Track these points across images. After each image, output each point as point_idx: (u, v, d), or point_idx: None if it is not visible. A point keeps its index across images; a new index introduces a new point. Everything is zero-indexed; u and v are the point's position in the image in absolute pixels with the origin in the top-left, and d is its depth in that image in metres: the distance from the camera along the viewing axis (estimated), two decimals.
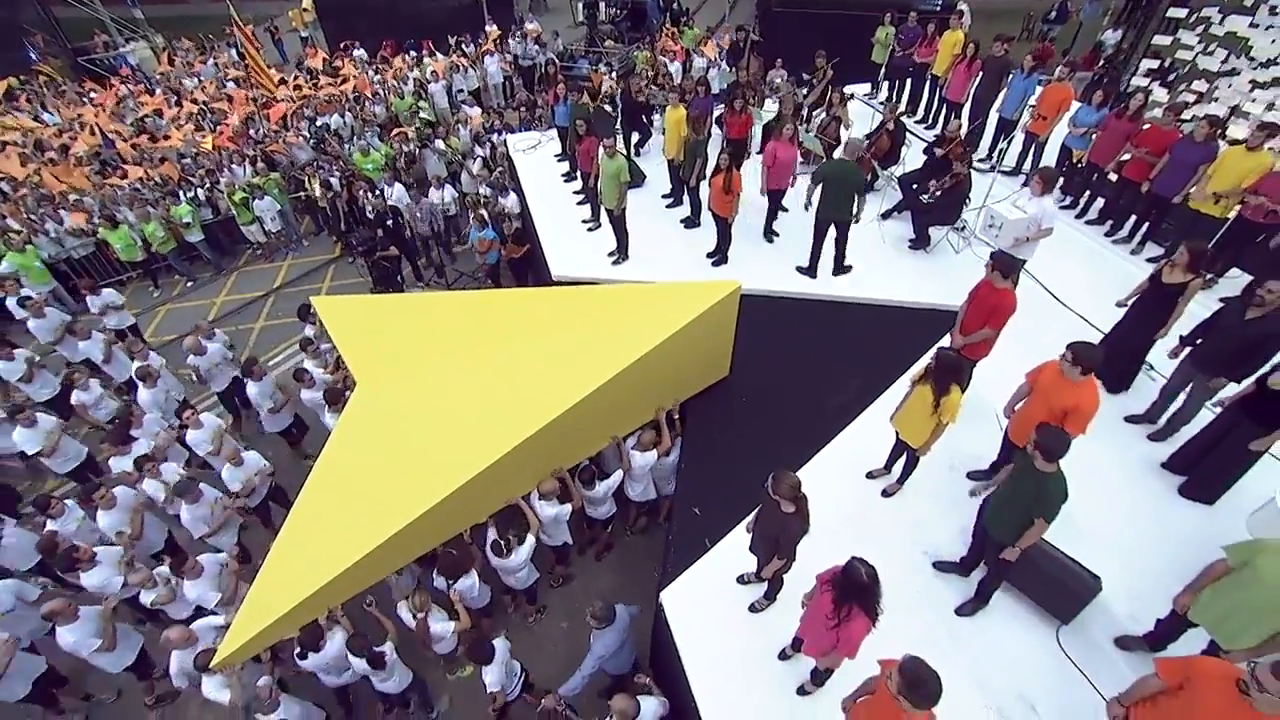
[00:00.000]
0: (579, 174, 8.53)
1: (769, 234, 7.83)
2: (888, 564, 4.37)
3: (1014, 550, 3.82)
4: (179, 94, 15.38)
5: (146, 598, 4.98)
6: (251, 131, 13.19)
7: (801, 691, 3.99)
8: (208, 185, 10.97)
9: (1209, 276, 6.73)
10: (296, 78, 15.91)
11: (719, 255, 7.49)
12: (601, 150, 6.99)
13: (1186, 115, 7.12)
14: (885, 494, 5.03)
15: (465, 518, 4.81)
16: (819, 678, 3.87)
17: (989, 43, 8.55)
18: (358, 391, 5.39)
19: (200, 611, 5.09)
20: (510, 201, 9.32)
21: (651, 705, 3.95)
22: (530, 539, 4.91)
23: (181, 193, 10.69)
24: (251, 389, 6.41)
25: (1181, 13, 7.70)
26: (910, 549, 4.69)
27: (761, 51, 12.63)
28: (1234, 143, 6.26)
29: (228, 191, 10.46)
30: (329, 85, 15.10)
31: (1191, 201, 6.36)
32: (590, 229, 8.17)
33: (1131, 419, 5.48)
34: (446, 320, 5.98)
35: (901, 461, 4.90)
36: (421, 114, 13.25)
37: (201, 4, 21.81)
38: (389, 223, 9.16)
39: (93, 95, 16.23)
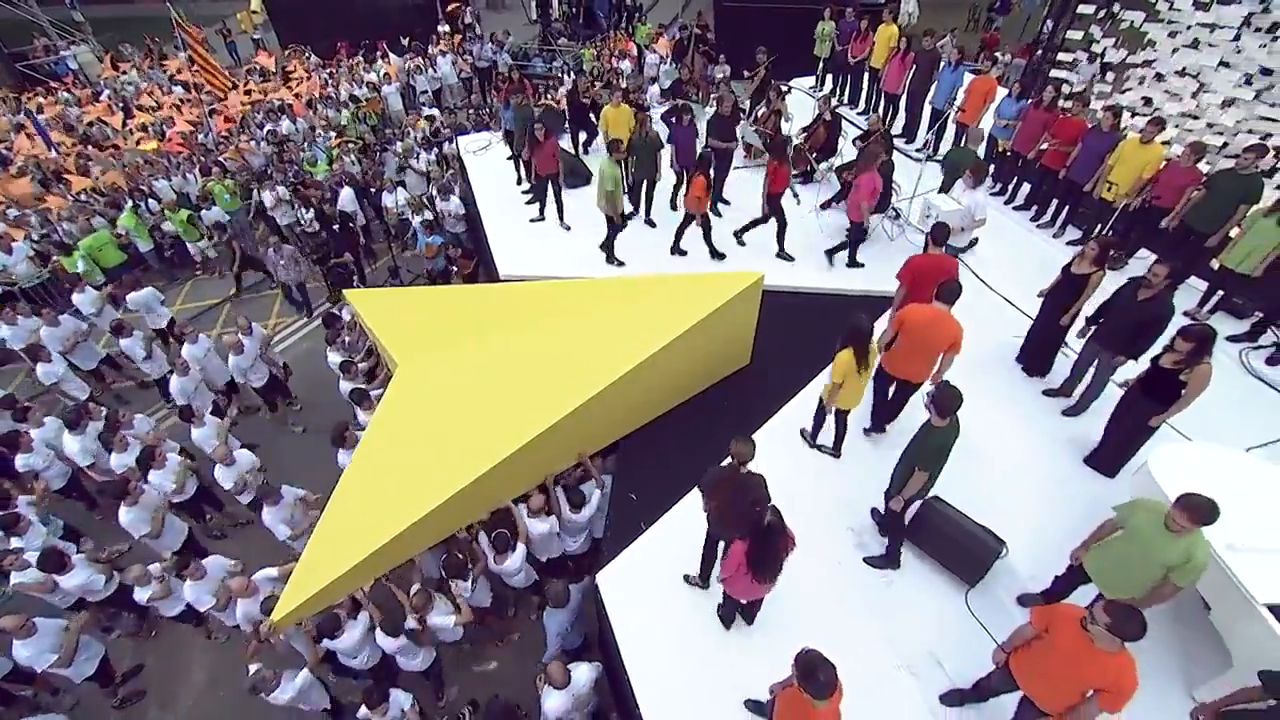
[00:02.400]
0: (533, 175, 8.15)
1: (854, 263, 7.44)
2: (814, 536, 4.70)
3: (897, 499, 4.13)
4: (126, 102, 15.04)
5: (142, 594, 5.08)
6: (201, 137, 13.02)
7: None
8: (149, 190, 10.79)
9: (1119, 256, 7.18)
10: (247, 81, 15.68)
11: (677, 249, 7.67)
12: (606, 159, 6.91)
13: (1097, 106, 7.50)
14: (817, 446, 5.36)
15: (503, 492, 5.02)
16: (737, 611, 4.25)
17: (932, 34, 8.85)
18: (399, 372, 5.63)
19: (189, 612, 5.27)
20: (453, 205, 9.39)
21: (584, 672, 4.18)
22: (521, 547, 4.93)
23: (133, 200, 10.53)
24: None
25: (1090, 9, 8.11)
26: (835, 523, 4.96)
27: (712, 48, 12.82)
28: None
29: (168, 210, 10.21)
30: (279, 88, 14.92)
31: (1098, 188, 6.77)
32: (533, 220, 8.28)
33: (1049, 392, 5.84)
34: (475, 310, 6.26)
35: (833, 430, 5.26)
36: (366, 121, 13.14)
37: (146, 4, 21.19)
38: (335, 227, 9.17)
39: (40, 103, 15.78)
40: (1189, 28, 7.22)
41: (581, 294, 6.20)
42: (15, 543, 5.47)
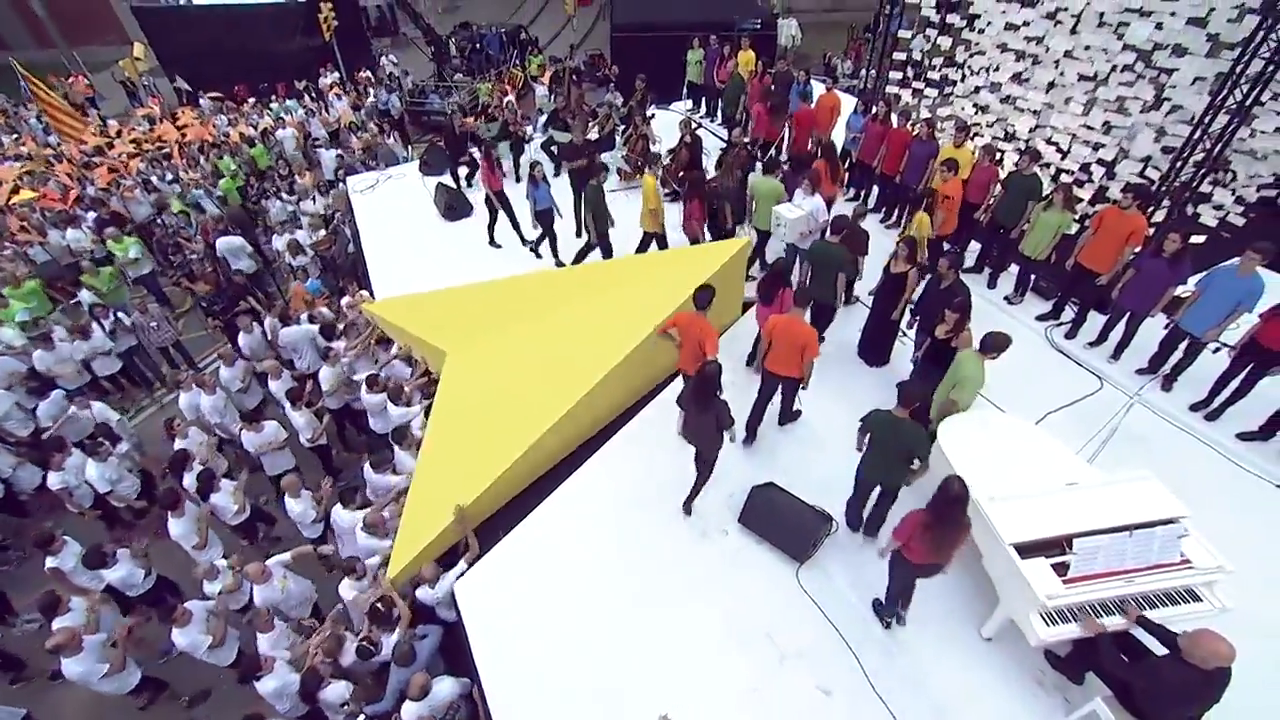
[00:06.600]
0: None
1: None
2: (665, 525, 5.04)
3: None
4: None
5: (212, 589, 5.21)
6: (82, 189, 12.56)
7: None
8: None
9: (954, 250, 7.91)
10: (132, 130, 15.28)
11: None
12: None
13: (925, 117, 8.30)
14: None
15: (558, 448, 5.72)
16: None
17: (817, 54, 9.60)
18: (449, 360, 6.22)
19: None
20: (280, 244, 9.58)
21: (448, 685, 4.30)
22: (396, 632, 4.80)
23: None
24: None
25: (908, 33, 9.07)
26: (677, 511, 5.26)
27: (609, 73, 13.41)
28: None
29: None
30: (167, 134, 14.59)
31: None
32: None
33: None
34: (496, 300, 6.79)
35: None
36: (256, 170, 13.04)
37: (20, 50, 20.04)
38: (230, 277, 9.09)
39: None
40: (998, 48, 8.18)
41: (592, 276, 6.78)
42: (51, 562, 5.44)
